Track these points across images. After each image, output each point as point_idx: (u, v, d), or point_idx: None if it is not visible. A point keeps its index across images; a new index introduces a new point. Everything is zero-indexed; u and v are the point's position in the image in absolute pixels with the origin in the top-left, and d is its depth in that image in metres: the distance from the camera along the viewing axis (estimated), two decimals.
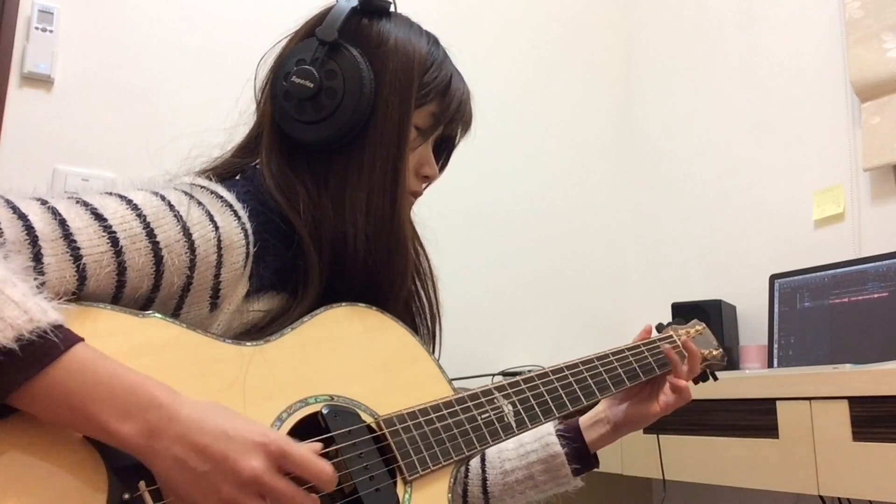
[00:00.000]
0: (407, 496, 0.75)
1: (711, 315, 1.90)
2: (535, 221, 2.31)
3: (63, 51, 1.67)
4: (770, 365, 1.80)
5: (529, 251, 2.28)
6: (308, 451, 0.63)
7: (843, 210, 1.87)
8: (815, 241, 1.92)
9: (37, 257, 0.61)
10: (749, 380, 1.34)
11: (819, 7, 2.01)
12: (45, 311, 0.57)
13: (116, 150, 1.70)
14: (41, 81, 1.64)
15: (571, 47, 2.51)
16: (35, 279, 0.60)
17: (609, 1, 2.63)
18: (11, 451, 0.57)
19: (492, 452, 1.04)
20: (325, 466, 0.63)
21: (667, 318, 2.00)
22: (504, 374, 1.97)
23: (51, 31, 1.65)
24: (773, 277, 1.88)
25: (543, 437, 1.02)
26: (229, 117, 0.91)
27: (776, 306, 1.84)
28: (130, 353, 0.64)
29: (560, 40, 2.49)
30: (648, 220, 2.45)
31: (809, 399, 1.22)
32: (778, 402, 1.27)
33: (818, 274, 1.77)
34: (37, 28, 1.64)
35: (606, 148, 2.52)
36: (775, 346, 1.80)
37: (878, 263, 1.66)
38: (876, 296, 1.63)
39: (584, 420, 1.04)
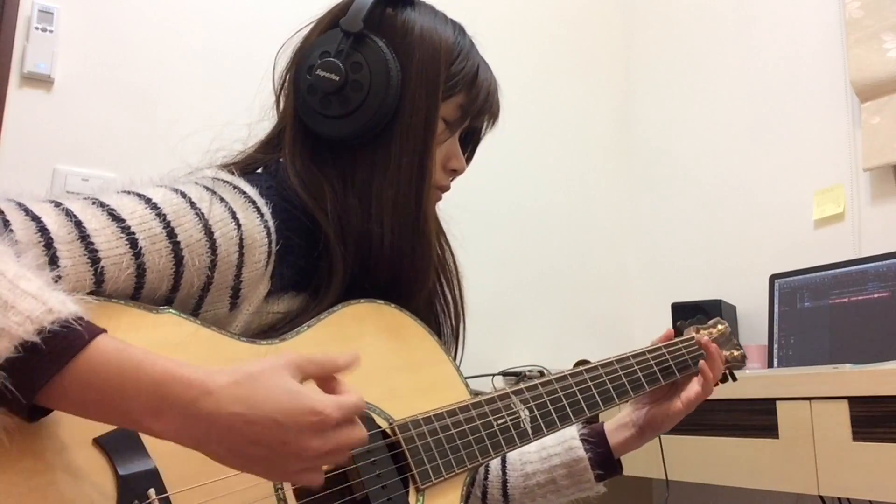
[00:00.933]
0: None
1: (711, 315, 1.90)
2: (535, 221, 2.31)
3: (63, 51, 1.67)
4: (770, 365, 1.80)
5: (529, 251, 2.28)
6: (349, 413, 0.60)
7: (843, 210, 1.87)
8: (815, 241, 1.92)
9: (52, 259, 0.59)
10: (749, 380, 1.33)
11: (819, 7, 2.01)
12: (63, 302, 0.54)
13: (116, 150, 1.69)
14: (41, 81, 1.64)
15: (571, 47, 2.51)
16: (50, 274, 0.58)
17: (609, 1, 2.62)
18: (20, 457, 0.55)
19: (513, 454, 1.02)
20: (362, 430, 0.61)
21: (667, 317, 2.00)
22: (504, 374, 1.97)
23: (51, 31, 1.65)
24: (773, 277, 1.88)
25: (567, 440, 1.00)
26: (250, 112, 0.88)
27: (776, 306, 1.84)
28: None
29: (560, 40, 2.49)
30: (648, 220, 2.45)
31: (809, 399, 1.22)
32: (778, 402, 1.27)
33: (818, 274, 1.77)
34: (37, 28, 1.64)
35: (606, 148, 2.52)
36: (775, 346, 1.80)
37: (878, 263, 1.66)
38: (876, 296, 1.63)
39: (608, 424, 1.03)
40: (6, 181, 1.56)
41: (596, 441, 1.00)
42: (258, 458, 0.56)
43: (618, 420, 1.03)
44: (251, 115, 0.89)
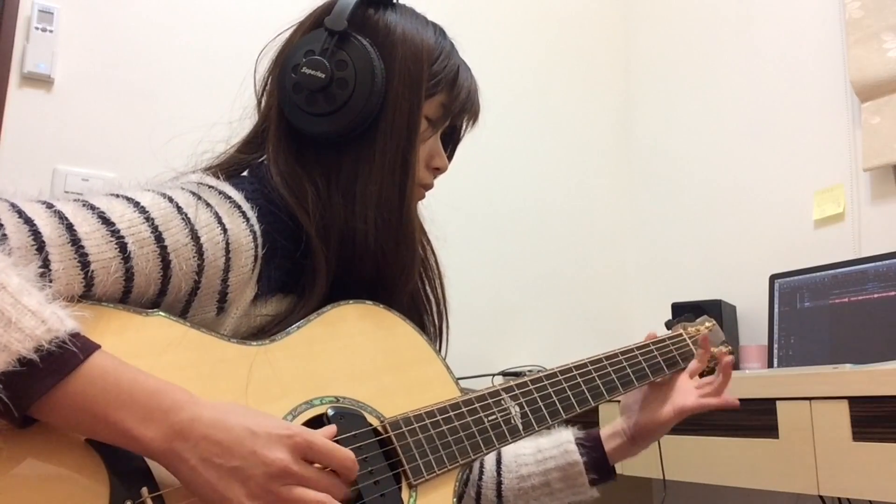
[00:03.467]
0: (412, 500, 0.74)
1: (711, 315, 1.90)
2: (536, 221, 2.31)
3: (63, 51, 1.67)
4: (770, 365, 1.80)
5: (529, 251, 2.28)
6: (330, 442, 0.64)
7: (843, 210, 1.87)
8: (815, 241, 1.92)
9: (44, 263, 0.60)
10: (749, 380, 1.33)
11: (819, 7, 2.01)
12: (62, 320, 0.57)
13: (116, 150, 1.70)
14: (41, 81, 1.64)
15: (571, 48, 2.51)
16: (44, 287, 0.59)
17: (609, 1, 2.63)
18: (13, 456, 0.56)
19: (509, 456, 1.03)
20: (348, 453, 0.65)
21: (667, 318, 2.00)
22: (504, 374, 1.97)
23: (51, 31, 1.65)
24: (773, 277, 1.88)
25: (563, 444, 1.01)
26: (233, 111, 0.89)
27: (776, 306, 1.84)
28: (134, 352, 0.64)
29: (560, 41, 2.49)
30: (648, 221, 2.45)
31: (809, 399, 1.22)
32: (778, 402, 1.27)
33: (818, 274, 1.77)
34: (37, 28, 1.64)
35: (606, 148, 2.52)
36: (775, 346, 1.80)
37: (878, 263, 1.66)
38: (876, 296, 1.63)
39: (604, 431, 1.04)
40: (6, 181, 1.56)
41: (591, 446, 1.01)
42: (226, 470, 0.58)
43: (612, 427, 1.04)
44: (243, 113, 0.90)
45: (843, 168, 1.89)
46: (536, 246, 2.30)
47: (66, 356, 0.56)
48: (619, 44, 2.62)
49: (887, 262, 1.64)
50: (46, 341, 0.55)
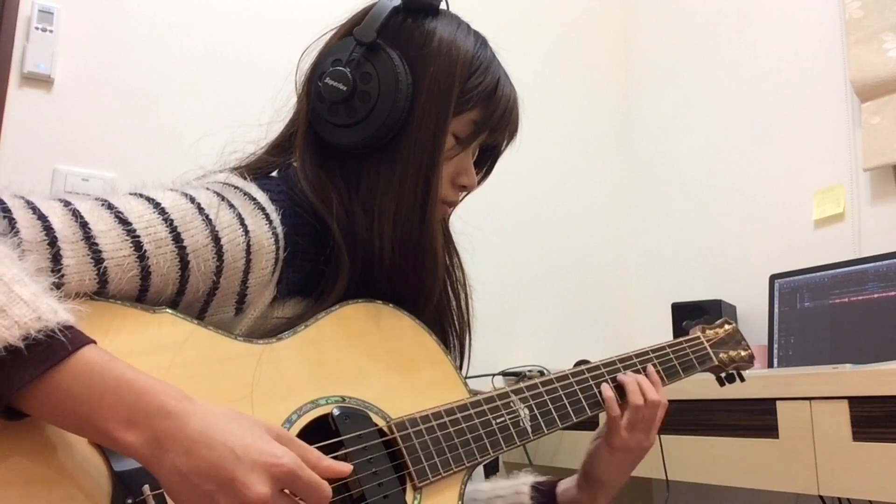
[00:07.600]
0: (416, 503, 0.74)
1: (711, 315, 1.90)
2: (536, 222, 2.31)
3: (63, 51, 1.67)
4: (770, 365, 1.80)
5: (530, 252, 2.28)
6: (315, 477, 0.59)
7: (843, 210, 1.87)
8: (815, 241, 1.92)
9: (56, 258, 0.60)
10: (749, 380, 1.33)
11: (819, 7, 2.01)
12: (55, 311, 0.55)
13: (116, 150, 1.69)
14: (41, 81, 1.64)
15: (571, 49, 2.51)
16: (49, 278, 0.58)
17: (609, 2, 2.62)
18: (14, 454, 0.56)
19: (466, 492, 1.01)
20: (327, 491, 0.60)
21: (667, 317, 2.00)
22: (504, 374, 1.97)
23: (51, 31, 1.65)
24: (773, 277, 1.88)
25: (518, 485, 0.98)
26: (265, 113, 0.88)
27: (776, 306, 1.84)
28: (140, 350, 0.64)
29: (560, 42, 2.49)
30: (648, 221, 2.45)
31: (809, 399, 1.22)
32: (778, 402, 1.27)
33: (818, 274, 1.77)
34: (37, 28, 1.64)
35: (606, 148, 2.52)
36: (775, 346, 1.80)
37: (878, 263, 1.66)
38: (876, 296, 1.63)
39: (565, 479, 0.99)
40: (6, 181, 1.56)
41: (545, 490, 0.98)
42: (202, 491, 0.54)
43: (575, 474, 0.99)
44: (253, 115, 0.89)
45: (843, 168, 1.89)
46: (537, 246, 2.30)
47: (54, 347, 0.54)
48: (620, 45, 2.62)
49: (887, 262, 1.64)
50: (35, 330, 0.53)
